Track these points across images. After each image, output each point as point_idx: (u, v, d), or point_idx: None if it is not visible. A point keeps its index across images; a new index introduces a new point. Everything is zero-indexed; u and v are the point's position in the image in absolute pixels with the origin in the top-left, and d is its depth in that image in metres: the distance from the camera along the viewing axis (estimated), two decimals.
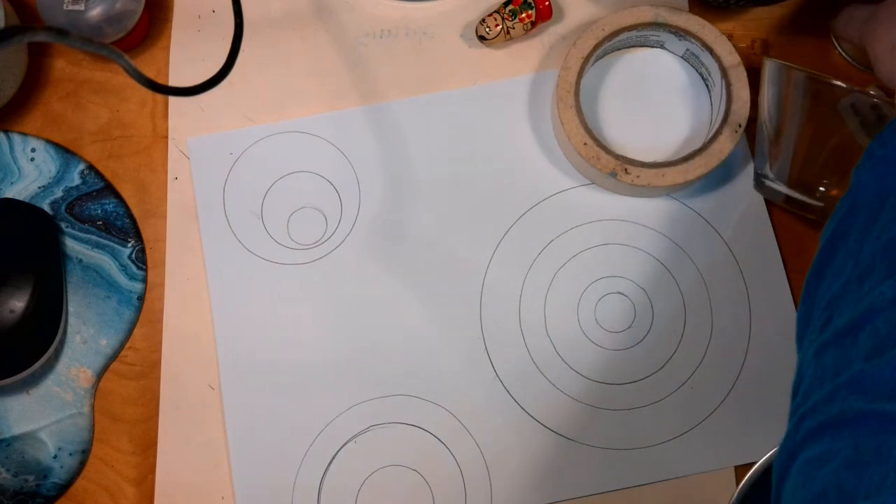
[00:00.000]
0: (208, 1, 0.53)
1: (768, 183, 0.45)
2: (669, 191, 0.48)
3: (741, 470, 0.45)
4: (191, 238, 0.49)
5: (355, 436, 0.47)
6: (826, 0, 0.47)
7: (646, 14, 0.48)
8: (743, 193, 0.49)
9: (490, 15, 0.50)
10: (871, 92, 0.41)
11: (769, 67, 0.44)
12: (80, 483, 0.47)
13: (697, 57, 0.49)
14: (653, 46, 0.51)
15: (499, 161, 0.50)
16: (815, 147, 0.43)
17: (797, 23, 0.52)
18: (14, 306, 0.45)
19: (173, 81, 0.51)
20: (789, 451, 0.29)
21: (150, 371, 0.48)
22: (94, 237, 0.49)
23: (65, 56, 0.52)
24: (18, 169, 0.50)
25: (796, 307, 0.48)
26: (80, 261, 0.49)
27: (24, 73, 0.51)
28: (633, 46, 0.51)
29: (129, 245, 0.49)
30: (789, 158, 0.44)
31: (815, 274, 0.33)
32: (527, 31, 0.50)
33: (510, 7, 0.50)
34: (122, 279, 0.49)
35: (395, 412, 0.47)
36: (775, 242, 0.48)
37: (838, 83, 0.41)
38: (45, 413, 0.47)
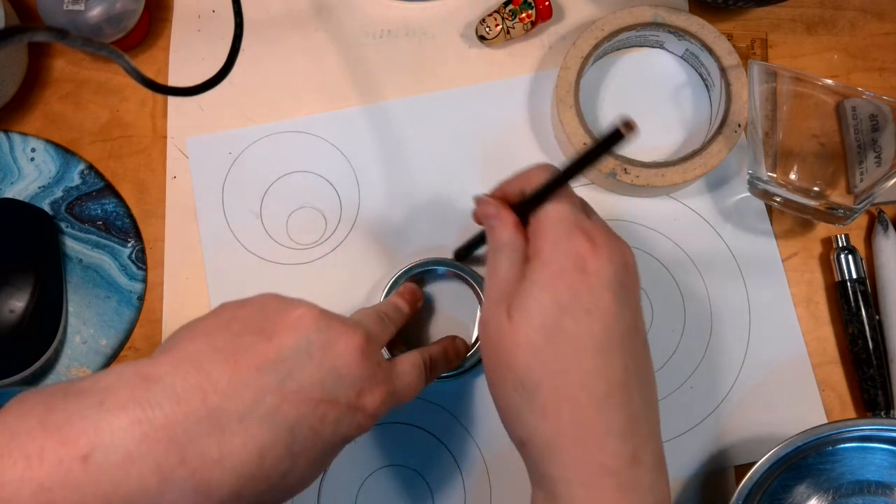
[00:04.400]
0: (208, 1, 0.53)
1: (761, 185, 0.45)
2: (669, 191, 0.48)
3: (741, 470, 0.45)
4: (190, 238, 0.49)
5: None
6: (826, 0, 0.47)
7: (645, 14, 0.48)
8: (742, 193, 0.49)
9: (490, 15, 0.50)
10: (865, 94, 0.41)
11: (755, 70, 0.44)
12: None
13: (697, 57, 0.49)
14: (652, 46, 0.51)
15: (498, 161, 0.50)
16: (806, 147, 0.43)
17: (797, 23, 0.52)
18: (14, 306, 0.45)
19: (173, 81, 0.51)
20: None
21: None
22: (94, 237, 0.49)
23: (65, 56, 0.52)
24: (18, 169, 0.50)
25: (795, 306, 0.48)
26: (80, 261, 0.49)
27: (24, 73, 0.51)
28: (633, 46, 0.51)
29: (129, 245, 0.49)
30: (781, 160, 0.44)
31: None
32: (527, 30, 0.50)
33: (510, 7, 0.50)
34: (122, 279, 0.49)
35: (395, 412, 0.47)
36: (774, 242, 0.48)
37: (828, 82, 0.41)
38: None
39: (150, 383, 0.29)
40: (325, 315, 0.33)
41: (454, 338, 0.45)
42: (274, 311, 0.33)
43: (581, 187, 0.49)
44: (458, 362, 0.44)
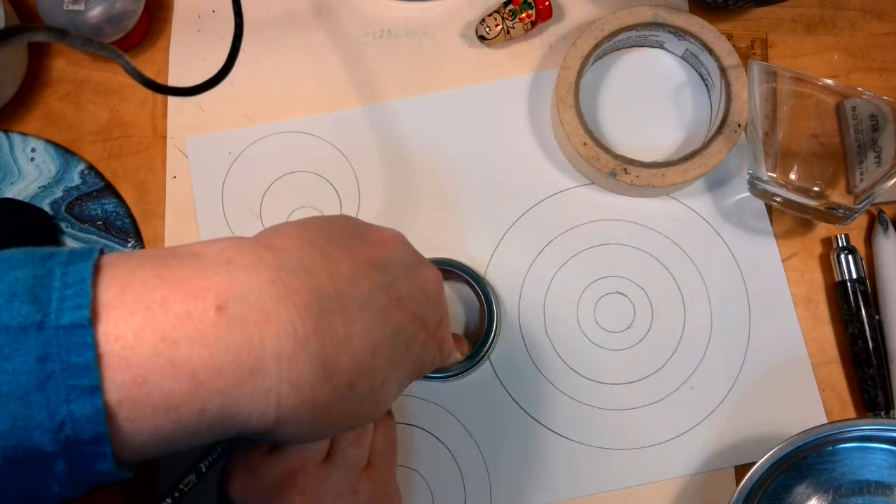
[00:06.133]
0: (208, 1, 0.53)
1: (761, 185, 0.45)
2: (669, 191, 0.48)
3: (741, 470, 0.45)
4: (189, 238, 0.49)
5: None
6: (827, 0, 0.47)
7: (645, 14, 0.48)
8: (742, 193, 0.49)
9: (490, 15, 0.50)
10: (865, 94, 0.41)
11: (755, 70, 0.44)
12: None
13: (697, 57, 0.49)
14: (652, 46, 0.51)
15: (498, 161, 0.50)
16: (806, 147, 0.43)
17: (797, 23, 0.52)
18: None
19: (173, 81, 0.51)
20: None
21: None
22: (94, 237, 0.49)
23: (65, 56, 0.52)
24: (18, 169, 0.50)
25: (795, 306, 0.48)
26: None
27: (24, 73, 0.51)
28: (633, 46, 0.51)
29: (130, 245, 0.49)
30: (781, 160, 0.44)
31: None
32: (527, 30, 0.50)
33: (510, 7, 0.50)
34: None
35: (395, 412, 0.47)
36: (774, 241, 0.48)
37: (828, 82, 0.41)
38: None
39: (277, 251, 0.27)
40: (409, 242, 0.34)
41: (455, 335, 0.45)
42: (364, 227, 0.32)
43: (581, 187, 0.49)
44: (462, 358, 0.44)
